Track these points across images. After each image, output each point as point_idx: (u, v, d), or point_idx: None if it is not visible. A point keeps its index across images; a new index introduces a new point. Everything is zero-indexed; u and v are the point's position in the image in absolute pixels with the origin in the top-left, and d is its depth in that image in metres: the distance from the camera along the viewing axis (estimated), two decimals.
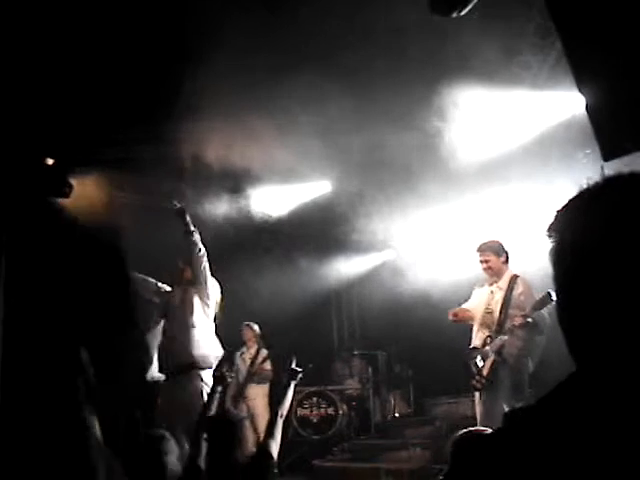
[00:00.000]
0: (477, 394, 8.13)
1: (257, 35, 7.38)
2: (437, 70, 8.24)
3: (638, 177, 1.44)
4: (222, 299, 8.73)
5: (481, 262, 8.22)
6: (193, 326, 8.17)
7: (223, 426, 5.18)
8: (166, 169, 9.52)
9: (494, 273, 8.16)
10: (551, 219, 1.50)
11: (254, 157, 9.36)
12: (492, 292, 8.18)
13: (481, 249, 8.22)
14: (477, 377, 7.99)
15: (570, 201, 1.49)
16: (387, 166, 9.98)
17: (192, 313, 8.22)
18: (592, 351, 1.40)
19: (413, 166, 9.85)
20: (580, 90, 4.46)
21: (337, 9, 7.29)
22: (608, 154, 4.33)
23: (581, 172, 7.46)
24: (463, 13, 5.32)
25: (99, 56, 7.85)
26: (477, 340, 8.20)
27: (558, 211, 1.50)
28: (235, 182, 10.51)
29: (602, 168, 1.40)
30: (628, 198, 1.41)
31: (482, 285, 8.43)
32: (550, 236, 1.48)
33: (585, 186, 1.47)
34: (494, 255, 8.14)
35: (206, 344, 8.22)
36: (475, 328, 8.33)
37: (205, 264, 8.27)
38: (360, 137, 9.62)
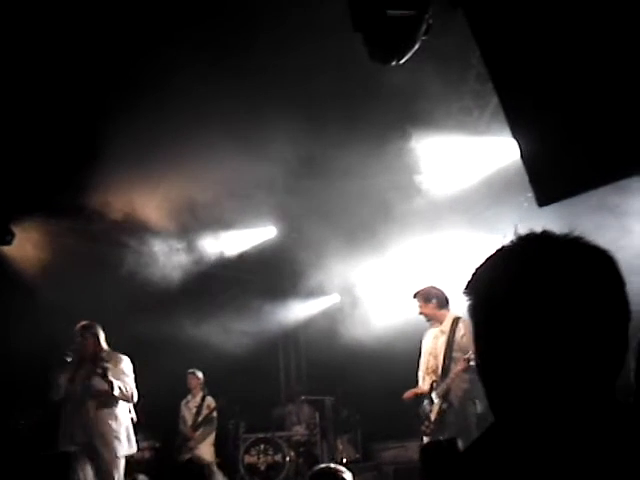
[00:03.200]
0: (425, 439, 8.13)
1: (206, 82, 7.42)
2: (383, 118, 8.35)
3: (547, 236, 1.53)
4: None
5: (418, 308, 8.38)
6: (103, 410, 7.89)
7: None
8: (108, 216, 9.45)
9: (429, 318, 8.32)
10: (467, 279, 1.58)
11: (198, 203, 9.33)
12: (436, 337, 8.26)
13: (413, 296, 8.37)
14: (425, 422, 8.00)
15: (485, 260, 1.57)
16: (332, 212, 10.03)
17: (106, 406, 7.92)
18: (507, 402, 1.46)
19: (358, 213, 9.92)
20: (514, 136, 4.51)
21: (283, 64, 7.40)
22: (543, 200, 4.37)
23: (522, 216, 7.56)
24: (402, 61, 5.36)
25: (37, 107, 7.83)
26: (425, 385, 8.22)
27: (474, 271, 1.58)
28: (181, 229, 10.46)
29: (516, 227, 1.44)
30: (534, 258, 1.50)
31: (427, 332, 8.53)
32: (467, 293, 1.56)
33: (501, 245, 1.56)
34: (423, 302, 8.32)
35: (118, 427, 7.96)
36: (422, 373, 8.36)
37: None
38: (306, 184, 9.66)
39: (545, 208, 4.50)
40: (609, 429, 1.36)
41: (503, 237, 1.56)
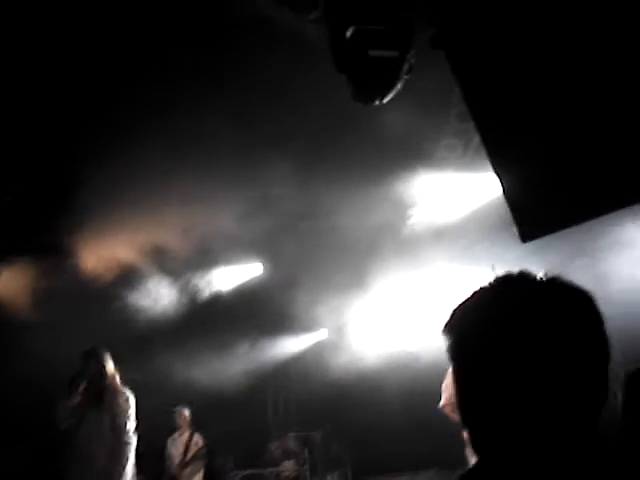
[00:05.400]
0: None
1: (193, 118, 7.48)
2: (370, 156, 8.41)
3: (524, 277, 1.55)
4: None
5: None
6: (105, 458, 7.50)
7: None
8: (94, 257, 9.45)
9: None
10: (446, 318, 1.59)
11: (184, 241, 9.34)
12: None
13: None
14: None
15: (464, 300, 1.59)
16: (320, 249, 10.05)
17: (103, 443, 7.55)
18: (489, 441, 1.48)
19: (346, 249, 9.95)
20: (496, 173, 4.59)
21: (273, 102, 7.49)
22: (526, 236, 4.43)
23: (508, 251, 7.62)
24: (384, 101, 5.44)
25: (21, 144, 7.88)
26: None
27: (452, 311, 1.59)
28: (168, 267, 10.45)
29: (493, 267, 1.47)
30: (511, 299, 1.51)
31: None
32: (446, 332, 1.57)
33: (478, 286, 1.59)
34: None
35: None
36: None
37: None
38: (293, 220, 9.69)
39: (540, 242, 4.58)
40: (590, 466, 1.37)
41: (491, 270, 1.59)
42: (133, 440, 7.70)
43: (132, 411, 7.77)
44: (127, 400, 7.77)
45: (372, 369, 10.77)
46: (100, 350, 7.87)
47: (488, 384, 1.46)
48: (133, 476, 7.85)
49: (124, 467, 7.60)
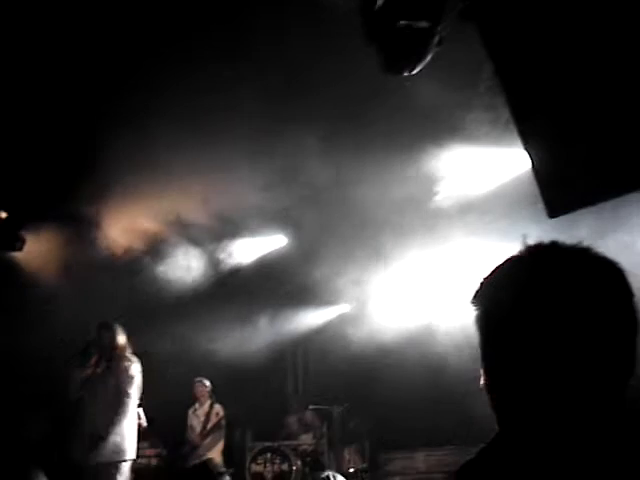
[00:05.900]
0: None
1: (218, 88, 7.45)
2: (396, 128, 8.35)
3: (556, 246, 1.52)
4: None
5: None
6: (114, 420, 7.83)
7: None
8: (116, 225, 9.48)
9: None
10: (475, 288, 1.57)
11: (207, 211, 9.34)
12: None
13: None
14: None
15: (493, 270, 1.56)
16: (342, 221, 10.02)
17: (111, 404, 7.87)
18: (513, 412, 1.46)
19: (369, 222, 9.90)
20: (525, 148, 4.55)
21: (296, 75, 7.44)
22: (553, 211, 4.40)
23: (533, 228, 7.53)
24: (413, 73, 5.39)
25: (46, 115, 7.90)
26: None
27: (482, 281, 1.57)
28: (191, 238, 10.46)
29: (524, 237, 1.43)
30: (542, 267, 1.49)
31: None
32: (474, 303, 1.55)
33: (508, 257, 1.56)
34: None
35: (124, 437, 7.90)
36: None
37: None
38: (316, 192, 9.66)
39: (564, 218, 4.54)
40: (617, 438, 1.36)
41: (517, 245, 1.56)
42: (134, 403, 8.01)
43: (137, 377, 8.08)
44: (132, 366, 8.08)
45: (393, 344, 10.75)
46: (113, 323, 8.08)
47: (513, 354, 1.44)
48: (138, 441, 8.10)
49: (124, 429, 7.88)
